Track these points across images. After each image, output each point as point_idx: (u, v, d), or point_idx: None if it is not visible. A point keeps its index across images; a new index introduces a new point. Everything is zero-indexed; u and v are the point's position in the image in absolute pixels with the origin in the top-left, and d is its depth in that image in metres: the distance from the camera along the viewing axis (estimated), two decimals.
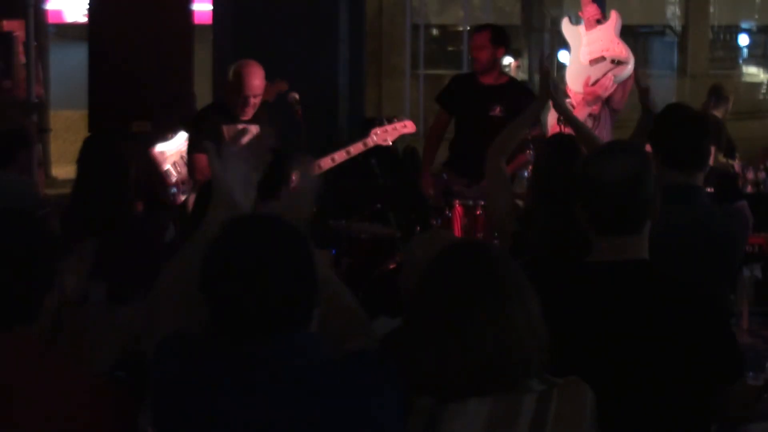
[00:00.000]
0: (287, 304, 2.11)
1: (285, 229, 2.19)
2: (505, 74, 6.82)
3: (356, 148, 6.12)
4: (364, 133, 6.20)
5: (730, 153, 7.87)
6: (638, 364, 2.53)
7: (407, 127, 6.21)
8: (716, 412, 2.60)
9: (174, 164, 6.45)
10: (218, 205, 2.45)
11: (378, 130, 6.14)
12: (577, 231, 2.78)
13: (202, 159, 5.94)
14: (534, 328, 2.26)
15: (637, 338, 2.56)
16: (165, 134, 6.27)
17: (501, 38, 6.53)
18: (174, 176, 6.47)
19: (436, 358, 2.23)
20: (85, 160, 4.36)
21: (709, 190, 5.36)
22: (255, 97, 5.86)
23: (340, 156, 6.07)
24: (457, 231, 5.86)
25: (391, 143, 6.24)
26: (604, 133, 5.86)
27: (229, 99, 5.92)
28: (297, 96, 6.06)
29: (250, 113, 5.93)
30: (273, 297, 2.09)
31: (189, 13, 5.67)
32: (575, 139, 4.12)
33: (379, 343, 3.16)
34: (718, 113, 8.44)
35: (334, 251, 6.22)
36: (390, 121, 6.19)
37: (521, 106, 5.50)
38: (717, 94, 8.68)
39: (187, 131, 6.14)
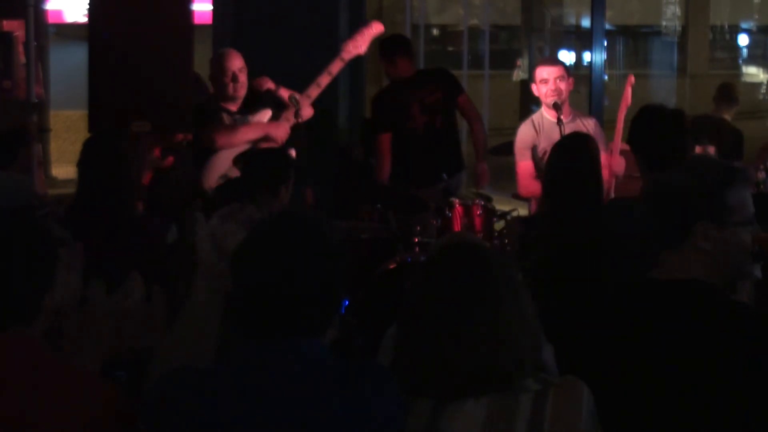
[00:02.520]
0: (302, 309, 2.09)
1: (325, 236, 2.15)
2: (411, 69, 6.83)
3: (335, 66, 6.10)
4: (336, 54, 6.15)
5: (731, 154, 7.75)
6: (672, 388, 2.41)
7: (373, 28, 6.19)
8: None
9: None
10: (201, 280, 2.42)
11: (349, 43, 6.15)
12: (584, 232, 2.78)
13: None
14: (528, 328, 2.27)
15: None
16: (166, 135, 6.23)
17: (384, 52, 6.70)
18: None
19: (431, 359, 2.23)
20: (86, 161, 4.36)
21: None
22: (240, 71, 5.87)
23: (324, 79, 6.06)
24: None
25: (365, 51, 6.19)
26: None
27: (218, 91, 5.92)
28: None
29: (240, 94, 5.90)
30: (290, 300, 2.08)
31: (189, 13, 5.66)
32: (586, 140, 4.09)
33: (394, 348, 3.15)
34: (728, 115, 8.02)
35: None
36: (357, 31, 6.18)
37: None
38: (723, 94, 8.32)
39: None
